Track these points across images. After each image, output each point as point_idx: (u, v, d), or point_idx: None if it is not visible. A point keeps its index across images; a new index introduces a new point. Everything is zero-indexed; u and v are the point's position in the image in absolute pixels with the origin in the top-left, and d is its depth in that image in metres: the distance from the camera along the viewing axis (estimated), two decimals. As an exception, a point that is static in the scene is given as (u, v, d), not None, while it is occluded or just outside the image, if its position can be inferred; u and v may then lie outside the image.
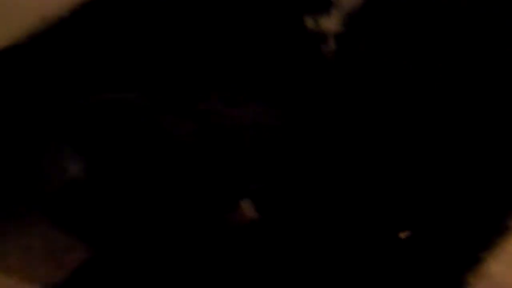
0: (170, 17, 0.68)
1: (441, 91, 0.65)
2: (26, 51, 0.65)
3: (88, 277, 0.65)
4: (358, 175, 0.63)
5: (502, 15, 0.69)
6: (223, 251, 0.60)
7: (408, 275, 0.62)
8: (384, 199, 0.62)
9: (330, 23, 0.69)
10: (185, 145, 0.59)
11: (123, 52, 0.66)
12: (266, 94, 0.65)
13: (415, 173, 0.64)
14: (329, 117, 0.64)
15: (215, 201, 0.60)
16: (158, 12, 0.69)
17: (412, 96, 0.66)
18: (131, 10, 0.68)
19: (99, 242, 0.62)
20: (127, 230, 0.59)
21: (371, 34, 0.68)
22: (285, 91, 0.66)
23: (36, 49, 0.65)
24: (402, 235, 0.62)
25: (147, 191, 0.58)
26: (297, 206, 0.62)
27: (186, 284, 0.60)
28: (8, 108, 0.64)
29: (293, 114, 0.64)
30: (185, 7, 0.69)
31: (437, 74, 0.66)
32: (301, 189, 0.62)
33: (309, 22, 0.69)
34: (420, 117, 0.65)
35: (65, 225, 0.61)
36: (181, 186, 0.59)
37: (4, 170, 0.64)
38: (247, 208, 0.60)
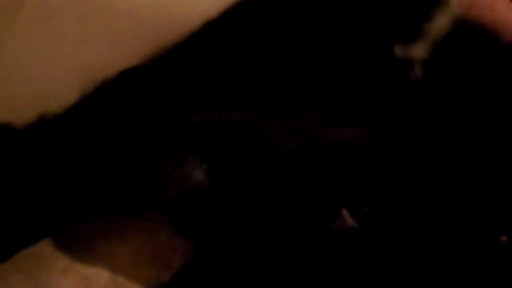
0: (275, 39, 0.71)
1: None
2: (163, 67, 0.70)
3: (193, 278, 0.68)
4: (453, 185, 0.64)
5: None
6: (325, 257, 0.62)
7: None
8: (482, 204, 0.63)
9: (418, 50, 0.70)
10: (293, 160, 0.62)
11: (235, 72, 0.70)
12: (358, 116, 0.67)
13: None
14: (416, 139, 0.66)
15: (320, 210, 0.62)
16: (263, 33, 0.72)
17: (499, 126, 0.66)
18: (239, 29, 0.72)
19: (210, 244, 0.65)
20: (239, 234, 0.62)
21: (457, 62, 0.69)
22: (376, 114, 0.68)
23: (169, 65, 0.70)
24: (503, 238, 0.62)
25: (261, 200, 0.61)
26: (395, 216, 0.63)
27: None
28: (141, 116, 0.68)
29: (384, 135, 0.65)
30: (287, 29, 0.72)
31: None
32: (397, 200, 0.63)
33: (398, 49, 0.71)
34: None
35: (183, 228, 0.64)
36: (290, 196, 0.61)
37: (128, 174, 0.68)
38: (348, 217, 0.62)
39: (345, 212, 0.62)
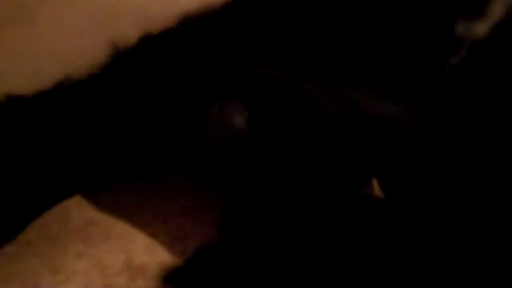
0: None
1: None
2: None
3: (208, 262, 0.66)
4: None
5: None
6: (347, 222, 0.60)
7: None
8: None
9: (480, 29, 0.69)
10: (333, 121, 0.61)
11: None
12: (401, 96, 0.66)
13: None
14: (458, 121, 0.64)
15: (350, 174, 0.61)
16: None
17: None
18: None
19: (238, 199, 0.64)
20: (269, 186, 0.61)
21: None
22: (417, 96, 0.67)
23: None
24: None
25: (296, 154, 0.60)
26: (421, 195, 0.61)
27: (309, 258, 0.60)
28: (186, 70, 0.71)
29: (422, 116, 0.64)
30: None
31: None
32: (427, 180, 0.61)
33: (460, 27, 0.70)
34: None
35: (217, 173, 0.64)
36: (325, 156, 0.61)
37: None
38: (377, 187, 0.60)
39: (375, 182, 0.61)
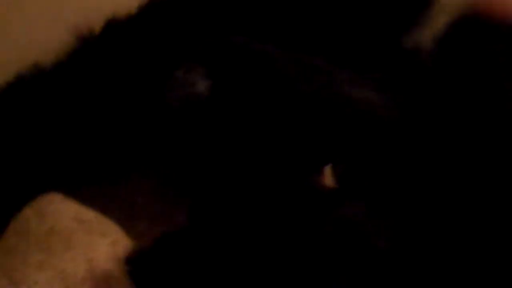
0: None
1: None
2: None
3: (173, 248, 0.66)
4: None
5: None
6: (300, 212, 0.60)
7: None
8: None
9: (423, 38, 0.69)
10: (299, 95, 0.61)
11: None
12: (378, 84, 0.66)
13: None
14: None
15: (305, 156, 0.60)
16: None
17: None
18: None
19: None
20: (224, 159, 0.61)
21: (462, 52, 0.68)
22: (393, 86, 0.66)
23: None
24: None
25: (253, 126, 0.61)
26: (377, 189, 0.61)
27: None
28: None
29: (407, 109, 0.64)
30: None
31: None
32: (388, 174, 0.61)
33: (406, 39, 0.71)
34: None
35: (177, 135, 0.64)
36: (283, 131, 0.61)
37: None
38: (329, 176, 0.60)
39: (327, 170, 0.60)
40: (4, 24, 0.75)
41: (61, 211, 0.72)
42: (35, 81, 0.70)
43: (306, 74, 0.63)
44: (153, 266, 0.65)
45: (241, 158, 0.61)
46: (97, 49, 0.70)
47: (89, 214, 0.72)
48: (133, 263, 0.65)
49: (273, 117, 0.60)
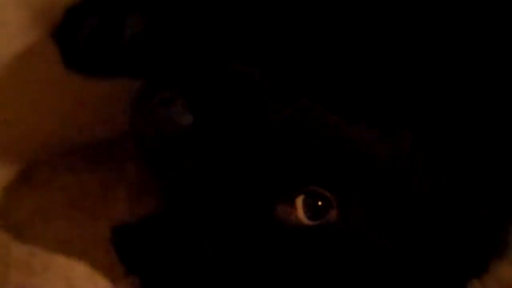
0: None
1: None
2: None
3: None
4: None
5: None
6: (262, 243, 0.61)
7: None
8: None
9: None
10: (277, 128, 0.62)
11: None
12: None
13: None
14: None
15: (277, 186, 0.61)
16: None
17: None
18: None
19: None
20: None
21: None
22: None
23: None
24: None
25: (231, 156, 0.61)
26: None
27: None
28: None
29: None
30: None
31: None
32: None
33: None
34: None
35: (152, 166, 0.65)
36: (261, 161, 0.61)
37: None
38: (301, 209, 0.60)
39: (299, 202, 0.60)
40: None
41: (41, 232, 0.74)
42: None
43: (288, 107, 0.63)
44: (135, 239, 0.69)
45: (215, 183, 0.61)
46: None
47: (69, 234, 0.73)
48: (118, 234, 0.69)
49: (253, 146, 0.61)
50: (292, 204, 0.60)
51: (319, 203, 0.60)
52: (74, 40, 0.64)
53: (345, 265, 0.61)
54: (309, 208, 0.60)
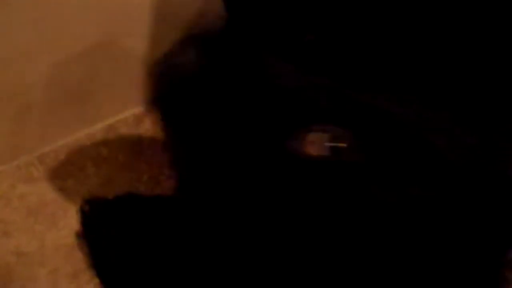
0: None
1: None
2: None
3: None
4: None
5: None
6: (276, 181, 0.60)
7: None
8: None
9: None
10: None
11: None
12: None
13: None
14: None
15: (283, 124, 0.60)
16: None
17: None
18: None
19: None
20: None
21: None
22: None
23: None
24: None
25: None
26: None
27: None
28: None
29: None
30: None
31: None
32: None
33: None
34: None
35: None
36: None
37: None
38: (314, 143, 0.58)
39: (312, 137, 0.58)
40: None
41: (0, 246, 0.72)
42: None
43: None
44: (102, 213, 0.70)
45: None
46: None
47: (29, 247, 0.72)
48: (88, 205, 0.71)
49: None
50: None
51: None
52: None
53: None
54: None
